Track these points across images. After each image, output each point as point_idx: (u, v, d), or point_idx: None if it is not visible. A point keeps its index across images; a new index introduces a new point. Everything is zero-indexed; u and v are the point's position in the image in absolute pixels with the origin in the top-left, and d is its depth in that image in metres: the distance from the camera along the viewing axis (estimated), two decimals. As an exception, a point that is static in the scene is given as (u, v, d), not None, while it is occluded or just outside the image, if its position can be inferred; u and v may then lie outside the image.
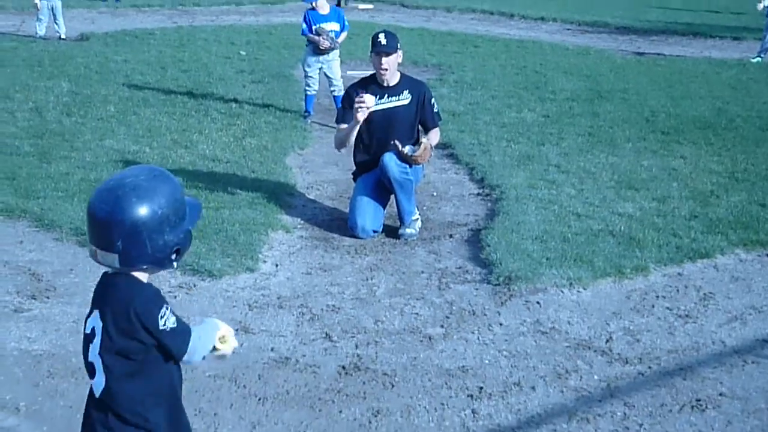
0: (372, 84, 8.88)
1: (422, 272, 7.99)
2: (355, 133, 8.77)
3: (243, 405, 5.65)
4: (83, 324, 3.45)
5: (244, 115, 13.73)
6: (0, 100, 14.02)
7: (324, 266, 8.08)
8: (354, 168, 9.38)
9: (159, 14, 27.53)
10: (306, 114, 13.91)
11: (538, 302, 7.32)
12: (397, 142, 8.59)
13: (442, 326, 6.89)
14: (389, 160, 8.63)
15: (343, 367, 6.18)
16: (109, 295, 3.36)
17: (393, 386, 5.96)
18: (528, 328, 6.89)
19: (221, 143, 11.93)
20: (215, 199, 9.36)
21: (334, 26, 13.70)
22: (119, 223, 3.21)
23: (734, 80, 18.58)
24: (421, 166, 8.94)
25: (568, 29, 27.87)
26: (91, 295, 3.47)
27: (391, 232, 8.92)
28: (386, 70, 8.76)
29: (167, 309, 3.32)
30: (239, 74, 17.52)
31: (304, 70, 13.90)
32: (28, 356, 6.18)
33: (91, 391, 3.43)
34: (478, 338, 6.69)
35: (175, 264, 3.37)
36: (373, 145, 8.92)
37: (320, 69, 13.77)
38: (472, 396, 5.86)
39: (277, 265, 8.02)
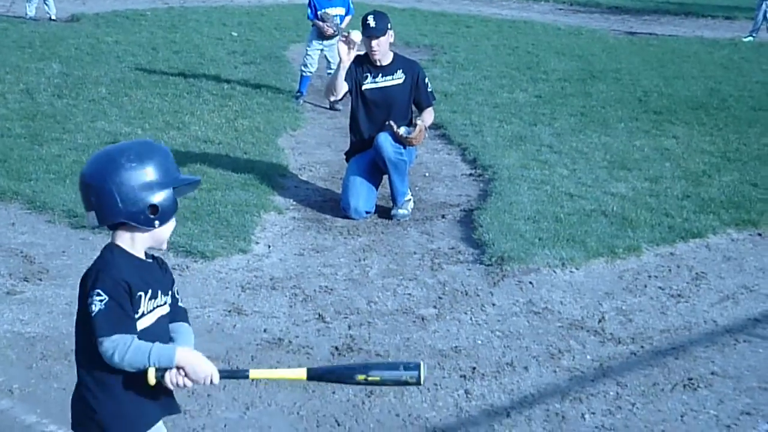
0: (365, 63, 8.86)
1: (415, 253, 7.99)
2: (342, 75, 8.68)
3: (236, 386, 5.65)
4: None
5: (236, 97, 13.69)
6: (-9, 82, 13.98)
7: (317, 247, 8.08)
8: (347, 148, 9.36)
9: (150, -5, 27.44)
10: (298, 94, 13.88)
11: (530, 282, 7.33)
12: (392, 123, 8.59)
13: (435, 307, 6.90)
14: (384, 140, 8.62)
15: (336, 348, 6.19)
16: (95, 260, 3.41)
17: (386, 367, 5.96)
18: (521, 308, 6.90)
19: (213, 124, 11.90)
20: (207, 180, 9.34)
21: (340, 11, 13.64)
22: (89, 179, 3.34)
23: (726, 60, 18.59)
24: (414, 147, 8.93)
25: (560, 9, 27.85)
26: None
27: (384, 212, 8.92)
28: (377, 51, 8.74)
29: (102, 296, 3.25)
30: (231, 55, 17.47)
31: (306, 50, 13.87)
32: (21, 339, 6.17)
33: None
34: (471, 319, 6.71)
35: (156, 223, 3.36)
36: (367, 125, 8.90)
37: (321, 51, 13.74)
38: (465, 376, 5.87)
39: (269, 247, 8.01)
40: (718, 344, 6.42)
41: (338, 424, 5.30)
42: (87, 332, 3.29)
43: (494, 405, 5.57)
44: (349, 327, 6.52)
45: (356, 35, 8.53)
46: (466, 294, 7.13)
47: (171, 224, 3.45)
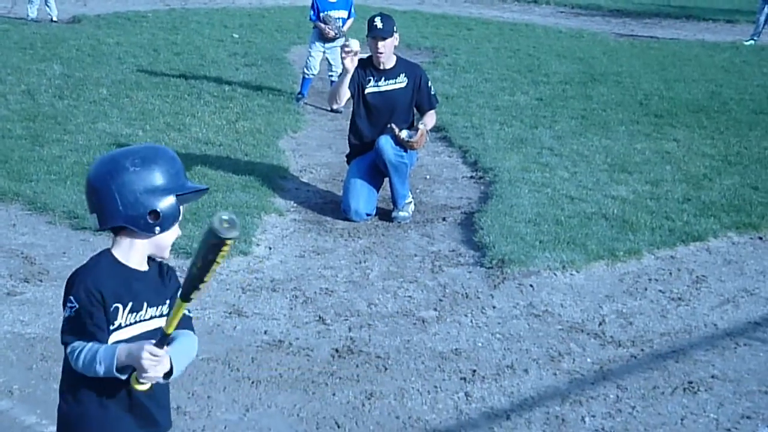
0: (368, 67, 8.86)
1: (415, 255, 8.00)
2: (346, 84, 8.70)
3: (236, 388, 5.66)
4: None
5: (237, 98, 13.69)
6: (-8, 82, 13.99)
7: (317, 249, 8.08)
8: (347, 151, 9.37)
9: (151, -3, 27.44)
10: (300, 96, 13.88)
11: (531, 285, 7.33)
12: (394, 126, 8.59)
13: (435, 309, 6.90)
14: (385, 143, 8.62)
15: (337, 350, 6.19)
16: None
17: (386, 369, 5.97)
18: (521, 311, 6.90)
19: (214, 126, 11.91)
20: (208, 182, 9.33)
21: (342, 14, 13.66)
22: (93, 180, 3.31)
23: (727, 63, 18.59)
24: (416, 150, 8.93)
25: (561, 12, 27.86)
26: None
27: (385, 215, 8.92)
28: (382, 53, 8.75)
29: (73, 303, 3.23)
30: (232, 57, 17.47)
31: (308, 52, 13.89)
32: (22, 339, 6.18)
33: None
34: (471, 321, 6.71)
35: (157, 230, 3.33)
36: (368, 128, 8.91)
37: (323, 53, 13.74)
38: (465, 379, 5.88)
39: (270, 249, 8.02)
40: (718, 347, 6.42)
41: (338, 426, 5.30)
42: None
43: (494, 407, 5.57)
44: (350, 329, 6.52)
45: (354, 44, 8.52)
46: (467, 296, 7.13)
47: (173, 232, 3.41)
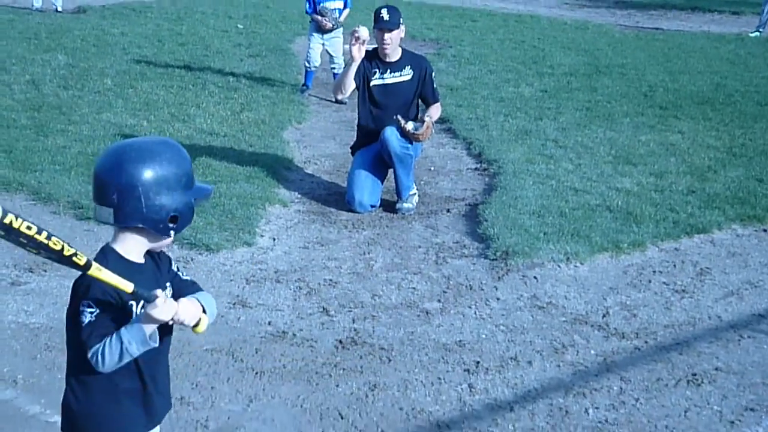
0: (374, 59, 8.85)
1: (419, 247, 8.00)
2: (352, 74, 8.69)
3: (240, 379, 5.67)
4: None
5: (242, 89, 13.70)
6: (-3, 73, 13.99)
7: (321, 240, 8.08)
8: (352, 142, 9.37)
9: (156, -13, 27.42)
10: (304, 88, 13.89)
11: (535, 277, 7.33)
12: (399, 117, 8.59)
13: (439, 301, 6.90)
14: (390, 134, 8.62)
15: (340, 341, 6.20)
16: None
17: (390, 360, 5.97)
18: (525, 302, 6.90)
19: (219, 117, 11.91)
20: (212, 173, 9.35)
21: (338, 4, 13.67)
22: (116, 176, 3.21)
23: (733, 55, 18.55)
24: (421, 142, 8.93)
25: (567, 3, 27.80)
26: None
27: (389, 206, 8.92)
28: (388, 45, 8.73)
29: (92, 308, 3.22)
30: (237, 48, 17.46)
31: (308, 45, 13.90)
32: (26, 329, 6.19)
33: None
34: (475, 313, 6.71)
35: (171, 233, 3.33)
36: (373, 120, 8.90)
37: (323, 45, 13.75)
38: (469, 370, 5.88)
39: (274, 240, 8.02)
40: (722, 340, 6.42)
41: (341, 417, 5.31)
42: (76, 339, 3.25)
43: (498, 399, 5.57)
44: (353, 320, 6.53)
45: (364, 31, 8.51)
46: (471, 288, 7.13)
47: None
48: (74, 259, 3.11)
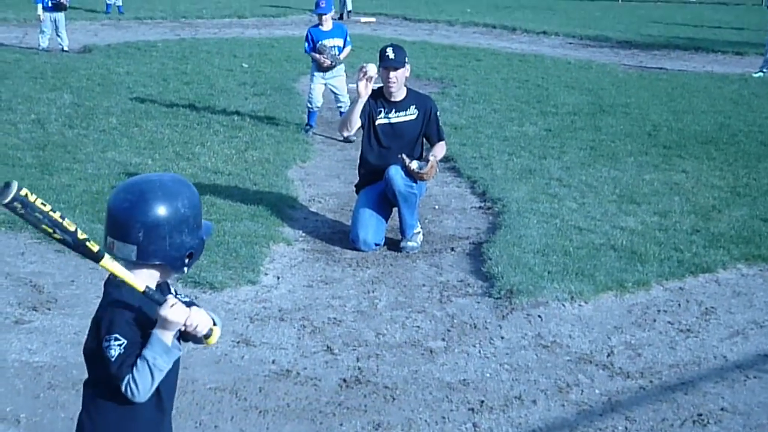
0: (379, 98, 8.89)
1: (423, 285, 7.99)
2: (358, 111, 8.73)
3: (244, 418, 5.65)
4: None
5: (246, 128, 13.74)
6: (2, 111, 14.05)
7: (325, 279, 8.08)
8: (356, 181, 9.39)
9: (162, 26, 27.58)
10: (308, 128, 13.92)
11: (539, 316, 7.31)
12: (404, 156, 8.61)
13: (443, 339, 6.88)
14: (395, 173, 8.63)
15: (344, 380, 6.18)
16: (103, 295, 3.38)
17: (394, 399, 5.95)
18: (529, 341, 6.88)
19: (223, 155, 11.94)
20: (217, 211, 9.36)
21: (337, 41, 13.72)
22: (142, 214, 3.24)
23: (736, 95, 18.59)
24: (425, 181, 8.94)
25: (570, 43, 27.91)
26: (92, 307, 3.47)
27: (393, 244, 8.92)
28: (394, 83, 8.77)
29: (120, 340, 3.23)
30: (241, 87, 17.54)
31: (310, 85, 13.96)
32: (29, 368, 6.17)
33: None
34: (480, 351, 6.69)
35: (185, 269, 3.40)
36: (378, 159, 8.92)
37: (325, 85, 13.80)
38: (473, 409, 5.86)
39: (278, 278, 8.02)
40: (727, 380, 6.39)
41: (345, 457, 5.28)
42: (103, 374, 3.27)
43: (502, 439, 5.54)
44: (357, 359, 6.51)
45: (371, 68, 8.56)
46: (475, 327, 7.11)
47: None
48: (88, 245, 3.15)
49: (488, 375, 6.34)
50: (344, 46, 13.81)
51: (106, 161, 11.31)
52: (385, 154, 8.88)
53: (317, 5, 13.94)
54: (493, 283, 7.87)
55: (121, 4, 29.57)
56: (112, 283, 3.34)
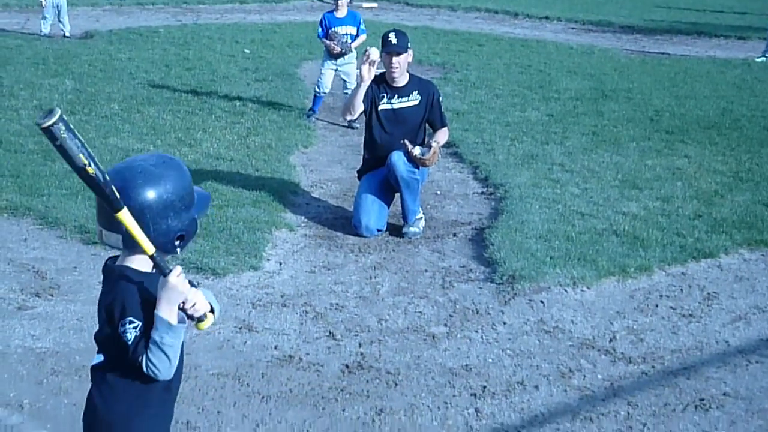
0: (382, 84, 8.87)
1: (426, 271, 7.99)
2: (361, 95, 8.71)
3: (246, 403, 5.65)
4: None
5: (248, 114, 13.73)
6: (4, 98, 14.03)
7: (328, 265, 8.08)
8: (358, 166, 9.38)
9: (163, 12, 27.55)
10: (310, 113, 13.90)
11: (541, 301, 7.32)
12: (407, 142, 8.60)
13: (445, 325, 6.89)
14: (398, 158, 8.63)
15: (347, 366, 6.19)
16: (106, 283, 3.38)
17: (396, 385, 5.96)
18: (531, 327, 6.89)
19: (225, 141, 11.93)
20: (219, 197, 9.36)
21: (350, 30, 13.66)
22: (124, 203, 3.20)
23: (739, 80, 18.58)
24: (428, 167, 8.94)
25: (573, 28, 27.87)
26: (95, 292, 3.48)
27: (395, 230, 8.92)
28: (396, 69, 8.75)
29: (135, 322, 3.25)
30: (243, 73, 17.52)
31: (320, 70, 13.92)
32: (32, 354, 6.18)
33: None
34: (482, 337, 6.70)
35: (178, 250, 3.36)
36: (381, 144, 8.92)
37: (335, 71, 13.76)
38: (475, 395, 5.86)
39: (280, 264, 8.02)
40: (730, 365, 6.40)
41: (348, 442, 5.29)
42: (117, 355, 3.30)
43: (504, 424, 5.55)
44: (360, 345, 6.52)
45: (374, 52, 8.55)
46: (477, 312, 7.12)
47: None
48: (114, 188, 3.13)
49: (490, 360, 6.35)
50: (357, 35, 13.74)
51: (108, 147, 11.30)
52: (388, 139, 8.87)
53: None
54: (496, 269, 7.87)
55: (122, -11, 29.58)
56: (121, 272, 3.34)
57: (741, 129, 13.69)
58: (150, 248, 3.21)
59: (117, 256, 3.44)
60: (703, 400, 5.87)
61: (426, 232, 8.93)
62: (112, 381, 3.39)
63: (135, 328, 3.24)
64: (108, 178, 3.13)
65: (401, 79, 8.87)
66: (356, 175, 9.43)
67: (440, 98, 9.07)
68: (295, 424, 5.44)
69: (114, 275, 3.35)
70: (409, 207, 8.80)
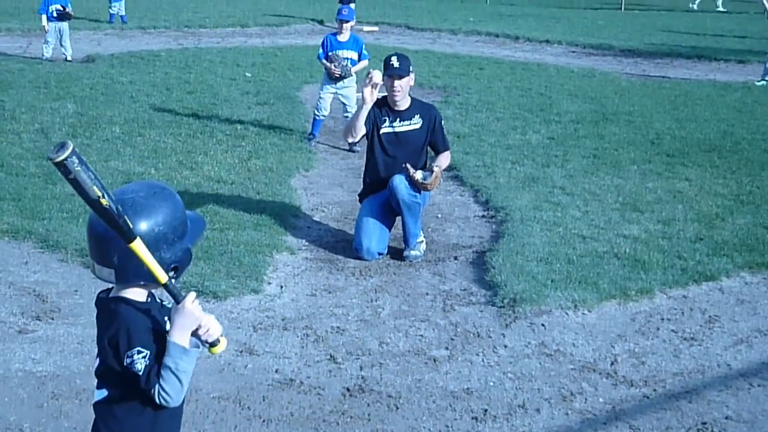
0: (384, 107, 8.89)
1: (427, 294, 7.99)
2: (363, 118, 8.72)
3: (247, 427, 5.64)
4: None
5: (250, 137, 13.74)
6: (6, 121, 14.05)
7: (329, 288, 8.08)
8: (359, 189, 9.39)
9: (165, 36, 27.58)
10: (311, 136, 13.90)
11: (542, 324, 7.31)
12: (408, 166, 8.61)
13: (446, 348, 6.88)
14: (399, 182, 8.64)
15: (348, 389, 6.18)
16: (102, 317, 3.36)
17: (397, 408, 5.95)
18: (533, 350, 6.88)
19: (226, 164, 11.94)
20: (220, 220, 9.37)
21: (352, 54, 13.66)
22: (115, 239, 3.18)
23: (739, 103, 18.59)
24: (429, 191, 8.94)
25: (573, 52, 27.90)
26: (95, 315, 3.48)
27: (396, 253, 8.92)
28: (398, 92, 8.77)
29: (143, 351, 3.23)
30: (244, 96, 17.54)
31: (319, 93, 13.92)
32: (33, 377, 6.17)
33: None
34: (483, 360, 6.69)
35: (173, 281, 3.32)
36: (382, 167, 8.93)
37: (335, 94, 13.76)
38: (476, 418, 5.85)
39: (281, 287, 8.01)
40: (732, 388, 6.39)
41: (349, 466, 5.27)
42: (124, 387, 3.28)
43: (506, 447, 5.54)
44: (361, 368, 6.51)
45: (377, 74, 8.56)
46: (478, 335, 7.11)
47: None
48: (127, 220, 3.11)
49: (492, 383, 6.34)
50: (359, 59, 13.73)
51: (109, 170, 11.30)
52: (389, 163, 8.88)
53: (339, 12, 13.88)
54: (497, 292, 7.86)
55: (124, 13, 29.56)
56: (119, 304, 3.32)
57: (742, 152, 13.70)
58: (163, 277, 3.20)
59: (109, 289, 3.42)
60: (705, 423, 5.86)
61: (427, 255, 8.93)
62: (121, 414, 3.35)
63: (144, 357, 3.21)
64: (121, 208, 3.11)
65: (403, 103, 8.88)
66: (357, 198, 9.43)
67: (442, 122, 9.09)
68: (296, 448, 5.42)
69: (110, 307, 3.33)
70: (411, 230, 8.80)
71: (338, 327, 7.21)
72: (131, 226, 3.12)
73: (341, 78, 13.55)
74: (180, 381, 3.21)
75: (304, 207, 10.48)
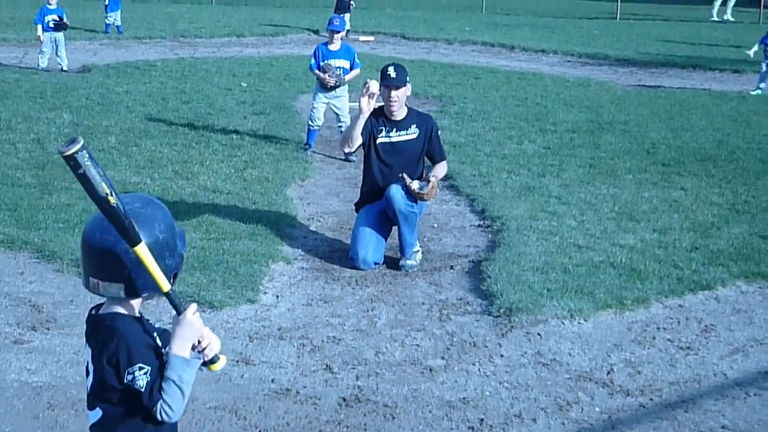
0: (380, 117, 8.90)
1: (423, 303, 7.98)
2: (360, 127, 8.73)
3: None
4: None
5: (245, 147, 13.74)
6: (2, 131, 14.05)
7: (325, 297, 8.07)
8: (355, 199, 9.39)
9: (161, 46, 27.58)
10: (306, 147, 13.90)
11: (539, 334, 7.31)
12: (405, 176, 8.62)
13: (442, 358, 6.88)
14: (396, 192, 8.64)
15: (344, 399, 6.17)
16: (97, 335, 3.32)
17: (394, 418, 5.94)
18: (529, 359, 6.88)
19: (222, 174, 11.94)
20: (216, 230, 9.36)
21: (343, 63, 13.69)
22: (126, 252, 3.16)
23: (734, 112, 18.61)
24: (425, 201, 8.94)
25: (569, 61, 27.93)
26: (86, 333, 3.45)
27: (392, 263, 8.92)
28: (395, 102, 8.78)
29: (144, 368, 3.20)
30: (240, 105, 17.54)
31: (312, 103, 13.94)
32: (28, 388, 6.16)
33: None
34: (479, 370, 6.68)
35: (174, 290, 3.31)
36: (379, 177, 8.94)
37: (327, 104, 13.77)
38: (473, 428, 5.85)
39: (277, 297, 8.01)
40: (728, 397, 6.38)
41: (345, 476, 5.27)
42: (125, 404, 3.25)
43: (502, 457, 5.53)
44: (357, 377, 6.50)
45: (374, 84, 8.57)
46: (474, 345, 7.11)
47: None
48: (134, 221, 3.11)
49: (488, 393, 6.34)
50: (351, 68, 13.76)
51: (105, 180, 11.28)
52: (386, 172, 8.89)
53: (330, 21, 13.95)
54: (493, 301, 7.86)
55: (120, 23, 29.56)
56: (115, 319, 3.31)
57: (737, 161, 13.72)
58: (166, 285, 3.18)
59: (99, 305, 3.39)
60: (701, 432, 5.86)
61: (423, 264, 8.93)
62: (119, 428, 3.33)
63: (146, 374, 3.19)
64: (126, 210, 3.10)
65: (400, 113, 8.90)
66: (354, 207, 9.44)
67: (438, 132, 9.10)
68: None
69: (106, 324, 3.29)
70: (407, 240, 8.80)
71: (334, 336, 7.21)
72: (136, 228, 3.12)
73: (335, 87, 13.57)
74: (182, 393, 3.20)
75: (300, 216, 10.48)
